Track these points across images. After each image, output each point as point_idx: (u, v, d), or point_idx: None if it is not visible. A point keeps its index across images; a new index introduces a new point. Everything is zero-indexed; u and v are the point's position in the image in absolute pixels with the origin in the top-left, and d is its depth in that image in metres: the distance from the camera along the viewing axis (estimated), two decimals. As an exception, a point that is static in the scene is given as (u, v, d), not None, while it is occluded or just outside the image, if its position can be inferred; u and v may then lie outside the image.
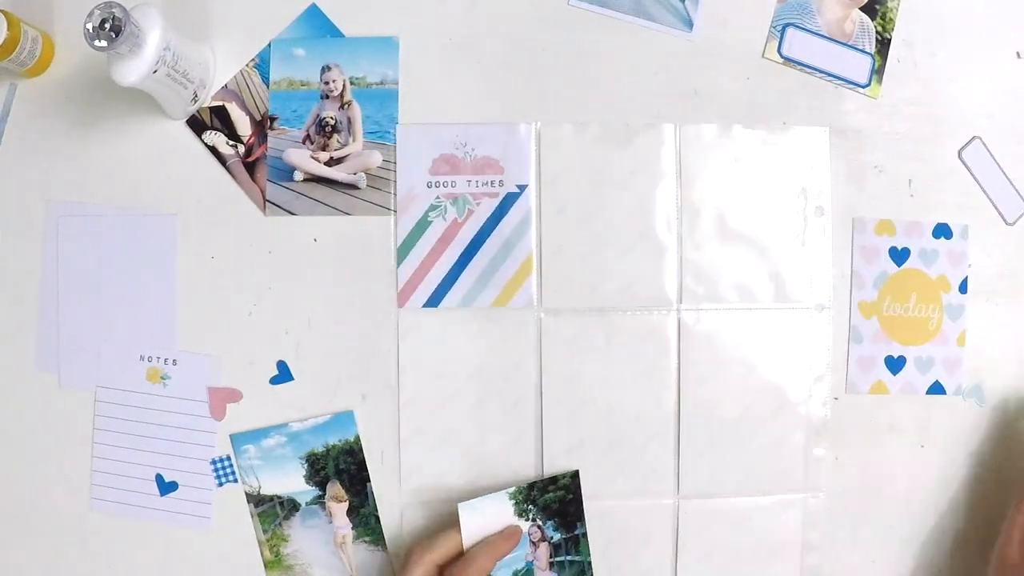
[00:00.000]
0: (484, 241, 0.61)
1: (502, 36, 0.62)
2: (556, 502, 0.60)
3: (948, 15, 0.65)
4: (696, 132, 0.62)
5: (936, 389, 0.63)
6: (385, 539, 0.61)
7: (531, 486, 0.59)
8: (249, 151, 0.62)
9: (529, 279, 0.61)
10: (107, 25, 0.50)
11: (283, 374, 0.61)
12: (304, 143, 0.62)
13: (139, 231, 0.61)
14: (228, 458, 0.61)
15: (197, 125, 0.62)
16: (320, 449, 0.61)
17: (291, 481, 0.61)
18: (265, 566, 0.61)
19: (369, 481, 0.61)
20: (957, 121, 0.65)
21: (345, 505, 0.61)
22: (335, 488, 0.61)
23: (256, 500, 0.61)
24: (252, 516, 0.61)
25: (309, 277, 0.61)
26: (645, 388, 0.62)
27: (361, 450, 0.61)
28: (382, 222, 0.61)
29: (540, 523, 0.59)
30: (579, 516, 0.60)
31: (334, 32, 0.62)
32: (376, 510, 0.61)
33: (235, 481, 0.61)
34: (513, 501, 0.59)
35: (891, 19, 0.64)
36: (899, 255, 0.63)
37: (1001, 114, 0.65)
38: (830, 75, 0.64)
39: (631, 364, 0.62)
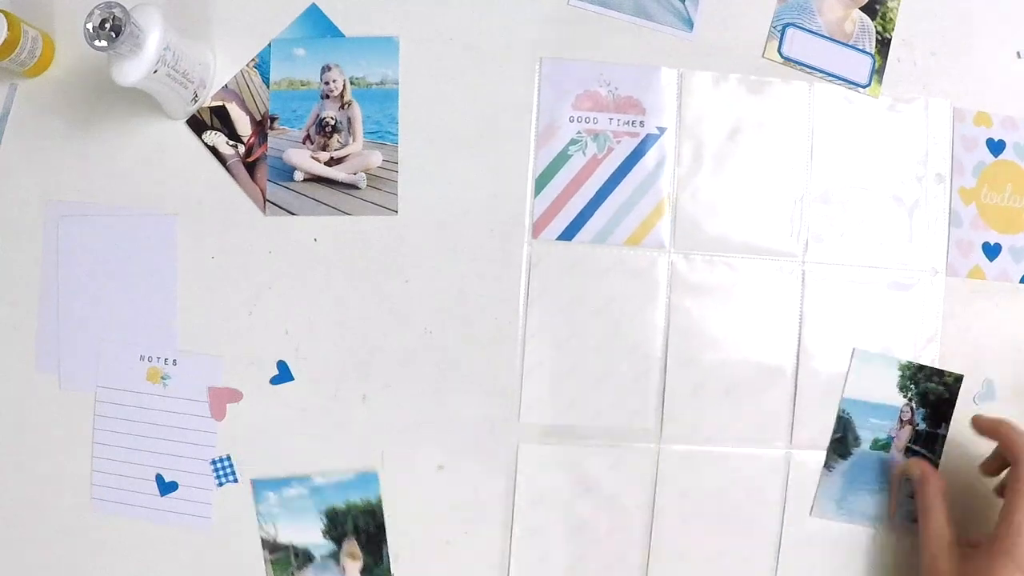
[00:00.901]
0: (622, 179, 0.62)
1: (502, 36, 0.62)
2: (934, 394, 0.61)
3: (948, 15, 0.65)
4: (828, 91, 0.64)
5: None
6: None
7: (920, 368, 0.61)
8: (249, 151, 0.62)
9: (662, 220, 0.62)
10: (107, 25, 0.49)
11: (283, 374, 0.61)
12: (304, 143, 0.62)
13: (139, 231, 0.61)
14: (228, 458, 0.61)
15: (197, 125, 0.62)
16: (341, 506, 0.61)
17: (308, 533, 0.61)
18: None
19: (386, 543, 0.60)
20: (957, 121, 0.65)
21: (360, 564, 0.61)
22: (352, 546, 0.61)
23: (271, 547, 0.61)
24: (265, 562, 0.61)
25: (309, 277, 0.61)
26: (765, 338, 0.63)
27: (382, 513, 0.60)
28: (388, 219, 0.61)
29: (913, 406, 0.60)
30: (947, 418, 0.61)
31: (334, 32, 0.62)
32: (391, 573, 0.61)
33: (235, 481, 0.61)
34: (900, 374, 0.60)
35: (891, 19, 0.64)
36: (996, 146, 0.65)
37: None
38: (830, 75, 0.64)
39: (753, 313, 0.63)
